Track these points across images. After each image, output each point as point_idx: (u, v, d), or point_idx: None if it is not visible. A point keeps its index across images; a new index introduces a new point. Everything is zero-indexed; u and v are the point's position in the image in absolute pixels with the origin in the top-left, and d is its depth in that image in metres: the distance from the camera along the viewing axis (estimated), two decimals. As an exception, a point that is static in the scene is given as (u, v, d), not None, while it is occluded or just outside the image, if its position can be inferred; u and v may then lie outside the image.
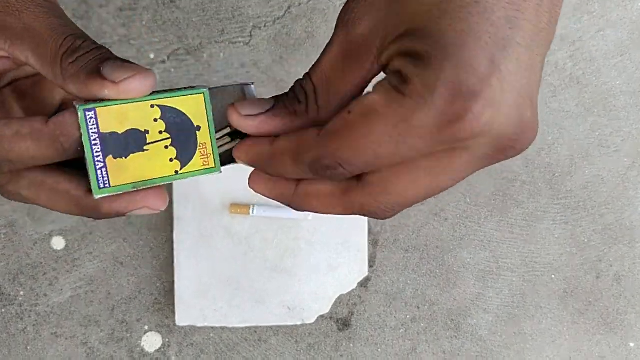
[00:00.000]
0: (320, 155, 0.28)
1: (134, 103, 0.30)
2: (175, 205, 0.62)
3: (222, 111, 0.32)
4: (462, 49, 0.25)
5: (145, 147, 0.30)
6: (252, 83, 0.34)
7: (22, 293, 0.63)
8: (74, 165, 0.32)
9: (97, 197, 0.30)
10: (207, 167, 0.32)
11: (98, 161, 0.30)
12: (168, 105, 0.31)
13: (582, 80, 0.66)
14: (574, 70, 0.66)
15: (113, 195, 0.31)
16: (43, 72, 0.31)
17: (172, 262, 0.63)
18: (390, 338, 0.65)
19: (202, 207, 0.62)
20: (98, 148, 0.30)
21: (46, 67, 0.30)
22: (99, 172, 0.30)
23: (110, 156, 0.30)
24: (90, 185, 0.30)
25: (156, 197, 0.32)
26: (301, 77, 0.31)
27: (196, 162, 0.32)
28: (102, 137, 0.30)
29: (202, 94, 0.32)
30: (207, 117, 0.32)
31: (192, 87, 0.32)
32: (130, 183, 0.30)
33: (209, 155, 0.32)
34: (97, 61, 0.30)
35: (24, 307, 0.63)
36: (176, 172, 0.31)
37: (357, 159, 0.27)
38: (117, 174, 0.30)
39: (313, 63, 0.30)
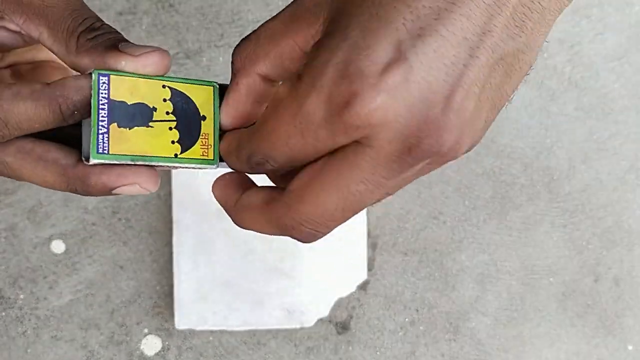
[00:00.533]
0: (251, 151, 0.28)
1: (147, 79, 0.31)
2: (174, 209, 0.62)
3: None
4: (365, 32, 0.23)
5: (150, 124, 0.31)
6: None
7: (22, 296, 0.64)
8: (64, 142, 0.32)
9: (92, 161, 0.30)
10: (206, 158, 0.32)
11: (102, 126, 0.30)
12: (179, 89, 0.32)
13: (580, 83, 0.67)
14: (573, 73, 0.67)
15: (105, 166, 0.30)
16: (54, 48, 0.31)
17: (172, 265, 0.63)
18: (389, 341, 0.66)
19: (201, 210, 0.62)
20: (104, 113, 0.30)
21: (59, 43, 0.30)
22: (100, 136, 0.30)
23: (115, 124, 0.30)
24: (81, 155, 0.31)
25: (148, 176, 0.31)
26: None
27: (196, 150, 0.32)
28: (111, 103, 0.30)
29: (213, 87, 0.32)
30: (214, 109, 0.32)
31: (204, 80, 0.33)
32: (129, 155, 0.30)
33: (209, 146, 0.32)
34: (115, 40, 0.30)
35: (23, 310, 0.64)
36: (175, 155, 0.31)
37: (275, 151, 0.26)
38: (118, 143, 0.30)
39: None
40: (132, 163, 0.31)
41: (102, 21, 0.32)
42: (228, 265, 0.62)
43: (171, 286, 0.63)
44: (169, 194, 0.63)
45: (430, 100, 0.24)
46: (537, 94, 0.66)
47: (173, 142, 0.31)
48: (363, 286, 0.65)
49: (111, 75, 0.30)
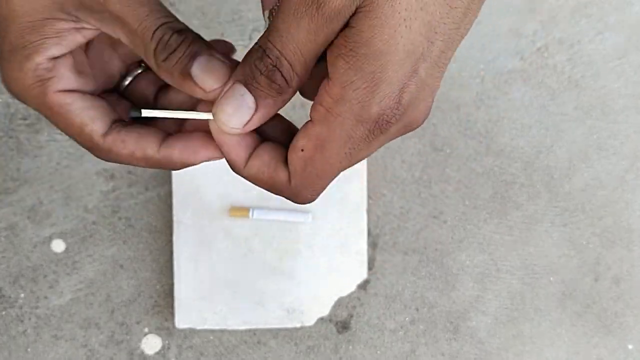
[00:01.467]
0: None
1: None
2: (175, 209, 0.62)
3: None
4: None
5: None
6: None
7: (22, 295, 0.64)
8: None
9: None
10: None
11: None
12: None
13: (580, 83, 0.67)
14: (573, 73, 0.67)
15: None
16: (138, 54, 0.30)
17: (172, 264, 0.63)
18: (389, 340, 0.66)
19: (201, 210, 0.62)
20: None
21: (141, 55, 0.30)
22: None
23: None
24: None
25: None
26: (262, 51, 0.28)
27: None
28: None
29: None
30: None
31: None
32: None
33: None
34: (187, 59, 0.29)
35: (24, 309, 0.64)
36: None
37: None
38: None
39: (270, 29, 0.28)
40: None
41: (170, 26, 0.30)
42: (228, 265, 0.62)
43: (171, 285, 0.64)
44: (170, 194, 0.63)
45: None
46: (537, 94, 0.66)
47: None
48: (363, 285, 0.65)
49: None
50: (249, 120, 0.29)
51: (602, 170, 0.67)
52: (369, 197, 0.65)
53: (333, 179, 0.30)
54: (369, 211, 0.65)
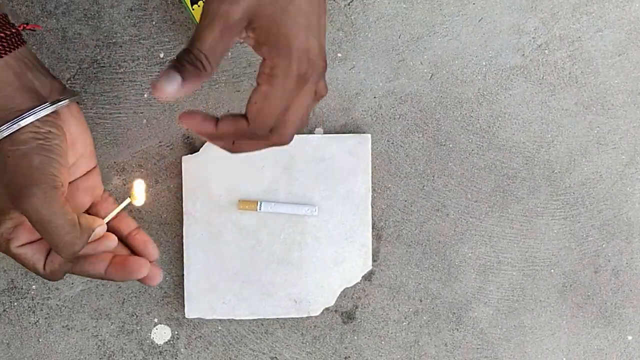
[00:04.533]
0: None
1: None
2: (184, 202, 0.63)
3: None
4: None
5: None
6: None
7: (34, 287, 0.65)
8: None
9: None
10: None
11: None
12: None
13: (580, 79, 0.67)
14: (573, 69, 0.67)
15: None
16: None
17: (182, 256, 0.64)
18: (393, 330, 0.67)
19: (211, 203, 0.63)
20: None
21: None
22: None
23: None
24: None
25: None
26: (188, 49, 0.43)
27: None
28: None
29: None
30: None
31: None
32: None
33: None
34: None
35: (36, 300, 0.65)
36: None
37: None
38: None
39: (194, 35, 0.43)
40: None
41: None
42: (237, 257, 0.63)
43: (181, 277, 0.65)
44: (180, 187, 0.64)
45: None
46: (538, 90, 0.67)
47: None
48: (368, 277, 0.66)
49: None
50: (178, 88, 0.42)
51: (602, 165, 0.68)
52: (373, 190, 0.66)
53: (277, 118, 0.45)
54: (373, 204, 0.66)
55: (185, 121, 0.46)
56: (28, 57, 0.49)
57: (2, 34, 0.47)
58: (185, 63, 0.43)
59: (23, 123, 0.45)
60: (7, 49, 0.47)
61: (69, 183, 0.50)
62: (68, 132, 0.49)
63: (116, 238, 0.51)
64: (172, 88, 0.42)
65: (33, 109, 0.46)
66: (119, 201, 0.52)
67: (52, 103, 0.47)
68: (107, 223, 0.50)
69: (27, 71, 0.48)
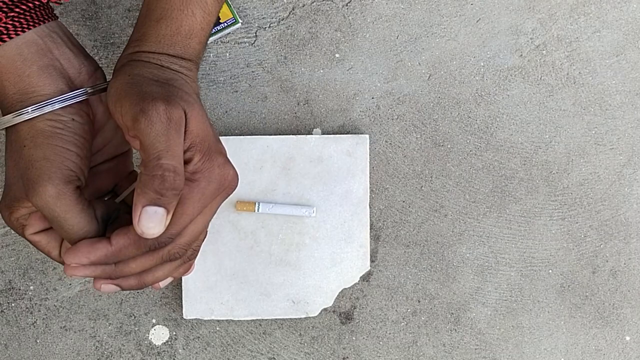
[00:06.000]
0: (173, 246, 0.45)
1: None
2: (182, 202, 0.63)
3: None
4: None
5: None
6: None
7: (31, 287, 0.65)
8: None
9: None
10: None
11: None
12: None
13: (578, 80, 0.68)
14: (571, 70, 0.67)
15: None
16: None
17: (179, 257, 0.64)
18: (391, 331, 0.67)
19: (208, 203, 0.63)
20: None
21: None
22: None
23: None
24: None
25: None
26: (160, 178, 0.40)
27: None
28: None
29: None
30: None
31: None
32: None
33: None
34: None
35: (33, 301, 0.64)
36: None
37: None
38: None
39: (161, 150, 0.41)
40: None
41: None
42: (235, 257, 0.63)
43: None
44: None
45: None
46: (535, 90, 0.67)
47: None
48: (366, 277, 0.66)
49: None
50: (165, 225, 0.41)
51: (600, 165, 0.68)
52: (371, 191, 0.66)
53: (185, 227, 0.43)
54: (371, 205, 0.66)
55: (73, 259, 0.43)
56: (57, 33, 0.45)
57: (24, 7, 0.43)
58: (165, 191, 0.40)
59: (44, 110, 0.42)
60: (31, 23, 0.43)
61: (90, 168, 0.47)
62: (95, 119, 0.46)
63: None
64: (160, 227, 0.40)
65: (59, 94, 0.43)
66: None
67: (85, 92, 0.44)
68: (126, 200, 0.48)
69: (53, 49, 0.44)
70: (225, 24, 0.62)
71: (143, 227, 0.40)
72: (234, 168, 0.44)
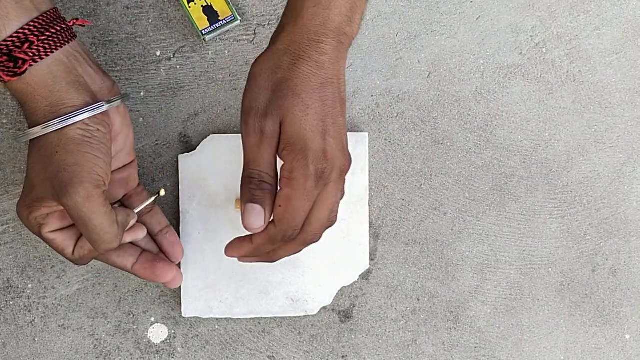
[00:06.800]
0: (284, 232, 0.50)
1: None
2: (181, 200, 0.63)
3: None
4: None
5: None
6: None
7: (30, 286, 0.64)
8: None
9: None
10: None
11: None
12: None
13: (578, 77, 0.68)
14: (571, 68, 0.67)
15: None
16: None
17: (178, 255, 0.64)
18: (391, 329, 0.67)
19: (207, 202, 0.63)
20: None
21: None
22: None
23: None
24: None
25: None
26: (248, 176, 0.49)
27: None
28: None
29: None
30: None
31: None
32: None
33: None
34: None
35: (32, 299, 0.64)
36: None
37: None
38: None
39: (254, 157, 0.48)
40: None
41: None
42: (233, 255, 0.63)
43: (177, 275, 0.64)
44: (176, 185, 0.64)
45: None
46: (535, 88, 0.67)
47: None
48: (366, 275, 0.66)
49: None
50: (265, 218, 0.48)
51: (600, 163, 0.68)
52: (370, 189, 0.66)
53: (303, 218, 0.48)
54: (371, 203, 0.66)
55: (230, 253, 0.52)
56: (79, 52, 0.51)
57: (52, 30, 0.48)
58: (254, 191, 0.48)
59: (75, 119, 0.47)
60: (59, 44, 0.49)
61: None
62: (112, 129, 0.51)
63: (145, 229, 0.56)
64: (260, 221, 0.48)
65: (85, 105, 0.48)
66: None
67: (108, 102, 0.49)
68: (140, 218, 0.54)
69: (77, 67, 0.50)
70: (224, 21, 0.62)
71: (245, 221, 0.48)
72: (340, 153, 0.48)
